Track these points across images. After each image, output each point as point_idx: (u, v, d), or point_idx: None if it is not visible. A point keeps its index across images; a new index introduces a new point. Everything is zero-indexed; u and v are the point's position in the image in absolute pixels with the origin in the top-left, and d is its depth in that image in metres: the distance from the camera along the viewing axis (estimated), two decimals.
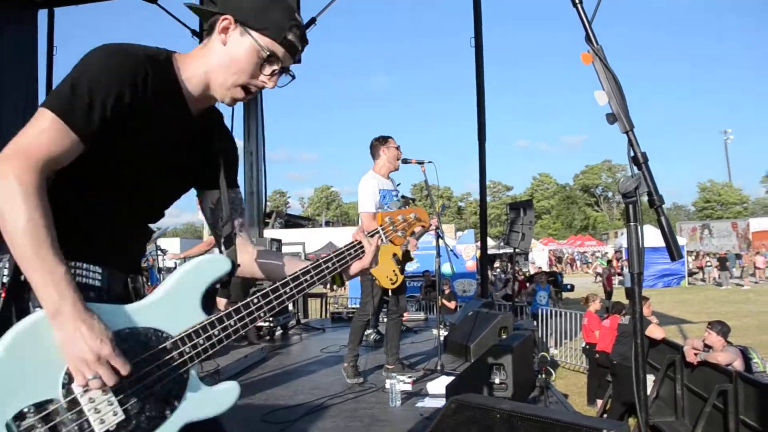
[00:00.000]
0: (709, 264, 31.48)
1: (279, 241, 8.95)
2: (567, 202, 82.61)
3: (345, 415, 4.08)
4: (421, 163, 5.48)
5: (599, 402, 8.61)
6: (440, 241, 5.49)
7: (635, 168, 1.63)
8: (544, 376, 4.73)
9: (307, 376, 5.49)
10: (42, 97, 8.45)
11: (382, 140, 5.36)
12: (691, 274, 29.67)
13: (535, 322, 12.95)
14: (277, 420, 3.92)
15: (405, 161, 5.45)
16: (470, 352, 6.01)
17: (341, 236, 36.73)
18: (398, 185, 5.84)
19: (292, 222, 42.14)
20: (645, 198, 1.72)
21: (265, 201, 9.66)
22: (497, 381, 3.97)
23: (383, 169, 5.32)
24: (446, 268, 19.28)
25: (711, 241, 40.54)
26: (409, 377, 4.91)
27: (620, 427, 1.94)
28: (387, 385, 4.43)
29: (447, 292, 14.14)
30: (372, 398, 4.54)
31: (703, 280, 30.67)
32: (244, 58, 1.52)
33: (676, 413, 6.96)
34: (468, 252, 25.46)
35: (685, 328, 15.48)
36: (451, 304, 13.84)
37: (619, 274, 28.93)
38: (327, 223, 46.34)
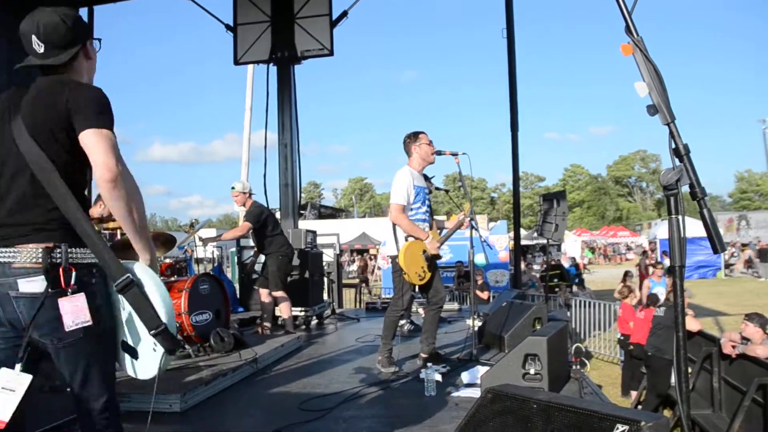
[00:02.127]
0: (735, 255, 30.84)
1: (314, 232, 9.04)
2: (599, 193, 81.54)
3: (380, 404, 4.15)
4: (455, 154, 5.49)
5: (633, 394, 8.56)
6: (473, 232, 5.51)
7: (676, 160, 1.63)
8: (578, 366, 4.73)
9: (342, 365, 5.57)
10: None
11: (413, 137, 5.38)
12: (727, 266, 29.09)
13: (568, 313, 12.90)
14: (314, 408, 3.99)
15: (439, 153, 5.47)
16: (504, 343, 6.02)
17: (374, 227, 36.83)
18: (432, 177, 5.87)
19: (326, 213, 42.41)
20: (685, 188, 1.72)
21: (300, 192, 9.76)
22: (532, 372, 3.99)
23: (417, 165, 5.35)
24: (480, 259, 19.24)
25: (748, 232, 39.60)
26: (444, 367, 4.96)
27: (659, 419, 1.95)
28: (422, 375, 4.47)
29: (480, 282, 14.12)
30: (407, 387, 4.59)
31: (745, 269, 30.06)
32: None
33: (713, 406, 6.88)
34: (501, 243, 25.36)
35: (721, 320, 15.23)
36: (484, 295, 13.81)
37: (654, 265, 28.55)
38: (361, 215, 46.58)
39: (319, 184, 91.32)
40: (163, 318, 1.97)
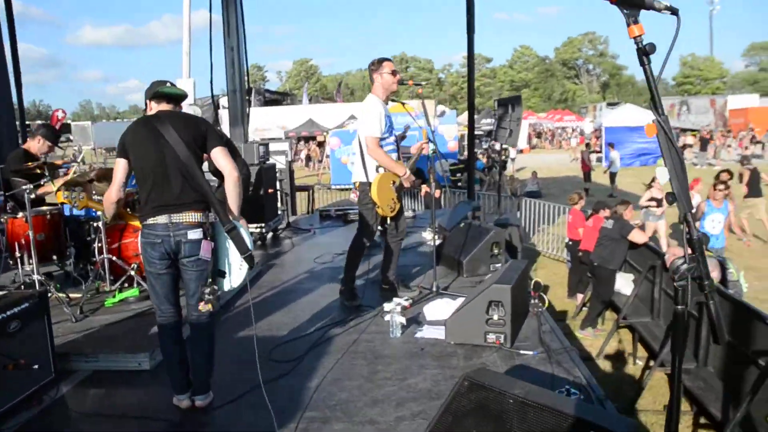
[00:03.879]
0: (689, 145, 31.81)
1: (266, 145, 8.80)
2: (546, 75, 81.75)
3: (348, 351, 4.21)
4: (418, 85, 5.35)
5: (579, 296, 8.98)
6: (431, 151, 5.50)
7: (689, 249, 1.60)
8: (537, 300, 4.89)
9: (305, 296, 5.61)
10: None
11: (377, 64, 5.17)
12: None
13: (519, 213, 13.22)
14: (283, 358, 4.04)
15: (401, 83, 5.29)
16: (462, 268, 6.17)
17: (321, 113, 36.16)
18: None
19: (270, 98, 41.13)
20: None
21: (250, 102, 9.33)
22: (496, 317, 4.11)
23: (380, 93, 5.17)
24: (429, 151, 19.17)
25: (688, 118, 40.73)
26: (406, 299, 5.04)
27: (635, 426, 2.04)
28: (386, 317, 4.55)
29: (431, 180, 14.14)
30: (372, 327, 4.68)
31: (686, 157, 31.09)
32: None
33: (652, 314, 7.31)
34: (450, 133, 25.41)
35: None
36: (437, 193, 13.93)
37: (598, 152, 29.29)
38: (309, 100, 45.29)
39: (262, 66, 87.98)
40: (250, 247, 3.32)
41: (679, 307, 1.60)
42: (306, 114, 36.21)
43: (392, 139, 5.29)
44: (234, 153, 6.76)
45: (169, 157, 3.22)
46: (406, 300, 5.00)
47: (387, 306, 4.87)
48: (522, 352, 4.04)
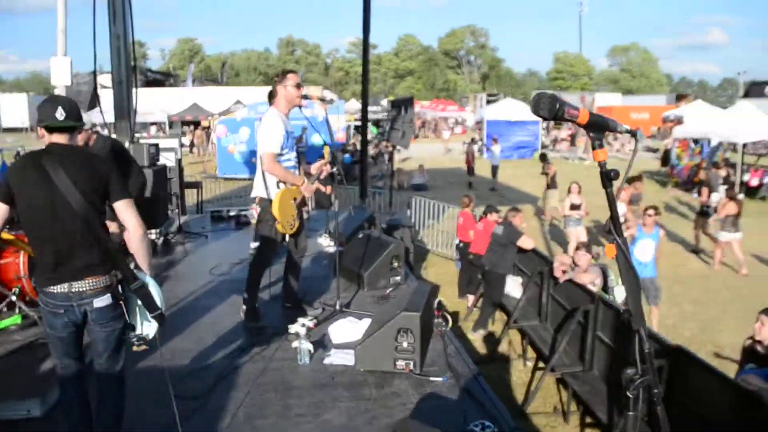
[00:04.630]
0: (563, 139, 33.64)
1: (156, 145, 8.36)
2: (430, 64, 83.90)
3: (257, 382, 4.10)
4: (322, 100, 5.30)
5: (470, 297, 9.29)
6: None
7: (639, 361, 1.69)
8: (441, 320, 5.01)
9: (205, 315, 5.41)
10: None
11: (281, 76, 5.06)
12: (543, 146, 31.66)
13: (409, 212, 13.44)
14: (188, 394, 3.86)
15: (306, 97, 5.21)
16: (364, 282, 6.21)
17: (208, 98, 34.96)
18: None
19: (152, 78, 39.18)
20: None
21: (136, 97, 8.77)
22: (405, 345, 4.17)
23: (283, 107, 5.07)
24: (316, 139, 19.10)
25: None
26: (310, 319, 5.01)
27: None
28: (294, 344, 4.49)
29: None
30: (279, 353, 4.58)
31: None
32: None
33: (540, 317, 7.72)
34: (338, 123, 25.38)
35: (541, 207, 16.68)
36: (328, 189, 13.84)
37: (480, 140, 30.40)
38: (193, 82, 43.50)
39: (144, 43, 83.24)
40: (160, 305, 3.04)
41: (630, 413, 1.70)
42: (190, 97, 34.89)
43: (293, 155, 5.22)
44: (131, 166, 6.40)
45: (62, 210, 2.83)
46: (311, 320, 4.98)
47: (292, 328, 4.83)
48: (432, 379, 4.13)
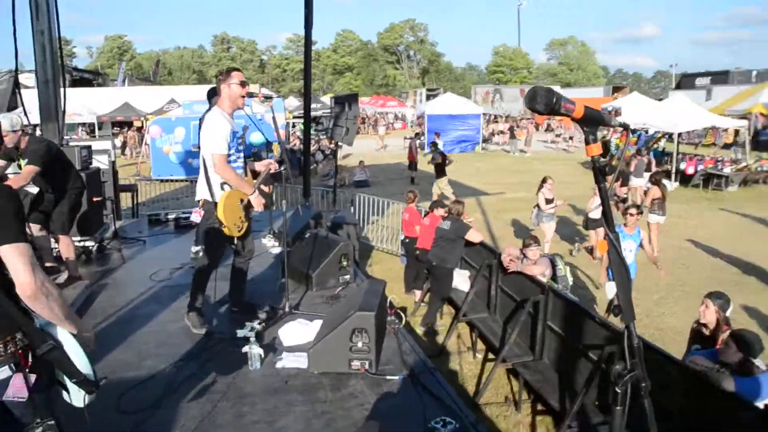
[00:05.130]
0: (501, 131, 34.20)
1: (89, 147, 7.99)
2: (369, 60, 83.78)
3: (207, 391, 3.94)
4: (268, 98, 5.15)
5: (417, 293, 9.27)
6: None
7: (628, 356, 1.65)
8: (394, 318, 4.95)
9: (147, 324, 5.17)
10: None
11: (225, 74, 4.87)
12: (484, 140, 32.12)
13: (352, 208, 13.33)
14: (133, 407, 3.67)
15: (250, 95, 5.04)
16: (312, 282, 6.08)
17: (140, 97, 33.90)
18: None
19: (78, 77, 37.69)
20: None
21: (65, 95, 8.36)
22: (360, 345, 4.08)
23: (226, 107, 4.88)
24: (256, 138, 18.83)
25: (501, 105, 43.87)
26: (259, 323, 4.86)
27: None
28: (243, 349, 4.34)
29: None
30: (228, 359, 4.41)
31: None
32: None
33: (489, 309, 7.76)
34: (278, 121, 25.03)
35: (482, 200, 16.91)
36: (269, 188, 13.59)
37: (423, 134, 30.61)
38: (124, 80, 42.12)
39: (70, 40, 79.96)
40: (84, 369, 2.42)
41: (618, 408, 1.67)
42: (121, 97, 33.73)
43: (240, 155, 5.06)
44: (70, 171, 6.08)
45: None
46: (259, 323, 4.83)
47: (240, 332, 4.67)
48: (388, 377, 4.06)
